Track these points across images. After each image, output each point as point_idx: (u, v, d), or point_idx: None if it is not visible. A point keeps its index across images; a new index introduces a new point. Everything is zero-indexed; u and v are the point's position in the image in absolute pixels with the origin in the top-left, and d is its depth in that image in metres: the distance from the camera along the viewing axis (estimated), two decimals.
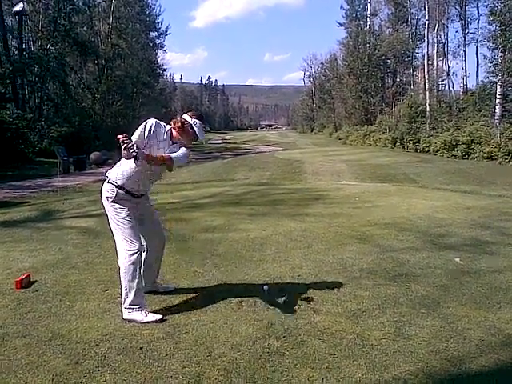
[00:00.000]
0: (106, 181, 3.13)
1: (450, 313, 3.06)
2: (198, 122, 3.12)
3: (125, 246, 3.01)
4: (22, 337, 2.74)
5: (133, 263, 2.99)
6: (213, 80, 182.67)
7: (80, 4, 31.56)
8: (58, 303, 3.28)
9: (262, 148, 34.98)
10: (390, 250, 4.59)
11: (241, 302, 3.28)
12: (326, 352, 2.53)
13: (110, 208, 3.09)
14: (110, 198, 3.07)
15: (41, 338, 2.73)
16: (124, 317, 2.98)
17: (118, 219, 3.06)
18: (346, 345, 2.61)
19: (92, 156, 20.27)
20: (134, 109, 38.77)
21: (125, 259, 2.99)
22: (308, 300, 3.31)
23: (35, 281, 3.74)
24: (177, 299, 3.33)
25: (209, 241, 5.05)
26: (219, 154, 28.76)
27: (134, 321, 2.94)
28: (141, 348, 2.59)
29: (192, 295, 3.42)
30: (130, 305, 2.97)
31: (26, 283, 3.64)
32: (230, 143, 46.89)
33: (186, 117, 3.13)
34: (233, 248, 4.73)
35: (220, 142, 51.29)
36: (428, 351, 2.53)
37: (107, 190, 3.09)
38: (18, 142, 19.40)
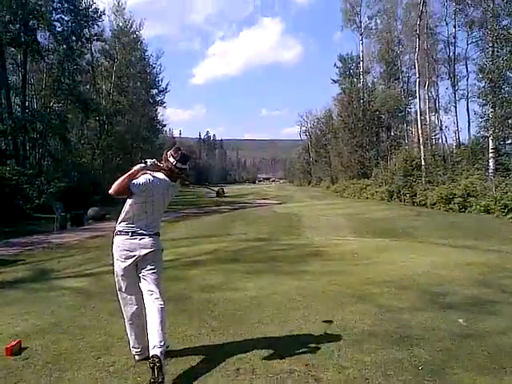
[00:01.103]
0: (157, 235, 3.34)
1: (456, 380, 2.95)
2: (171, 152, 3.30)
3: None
4: None
5: None
6: (211, 135, 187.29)
7: (84, 64, 32.90)
8: (48, 372, 3.14)
9: (259, 201, 35.19)
10: (390, 310, 4.49)
11: (238, 369, 3.15)
12: None
13: (162, 258, 3.39)
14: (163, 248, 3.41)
15: None
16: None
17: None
18: None
19: (90, 211, 20.34)
20: (133, 163, 39.24)
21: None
22: (308, 366, 3.20)
23: (26, 347, 3.61)
24: (172, 366, 3.19)
25: (206, 301, 4.94)
26: (217, 207, 28.85)
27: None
28: None
29: (187, 362, 3.29)
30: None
31: (17, 350, 3.51)
32: (227, 197, 47.17)
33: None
34: (230, 309, 4.62)
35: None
36: None
37: (161, 244, 3.38)
38: (16, 197, 19.46)
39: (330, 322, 4.10)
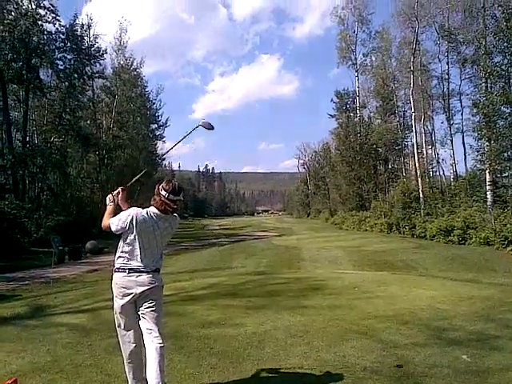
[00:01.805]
0: (157, 272, 3.26)
1: None
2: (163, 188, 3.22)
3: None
4: None
5: None
6: (210, 167, 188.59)
7: (85, 100, 33.54)
8: None
9: (258, 234, 35.09)
10: (393, 346, 4.41)
11: None
12: None
13: (162, 294, 3.33)
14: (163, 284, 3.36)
15: None
16: None
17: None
18: None
19: (88, 245, 20.24)
20: (132, 196, 39.48)
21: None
22: None
23: None
24: None
25: (205, 338, 4.85)
26: (216, 240, 28.77)
27: None
28: None
29: None
30: None
31: None
32: (226, 229, 47.06)
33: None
34: (230, 346, 4.53)
35: (217, 227, 51.48)
36: None
37: (161, 280, 3.29)
38: (14, 231, 19.40)
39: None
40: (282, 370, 3.82)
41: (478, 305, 6.28)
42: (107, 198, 3.41)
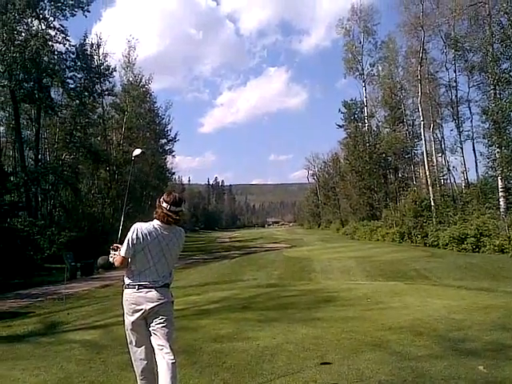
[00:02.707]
0: (166, 287, 3.23)
1: None
2: (164, 200, 3.22)
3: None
4: None
5: None
6: (220, 181, 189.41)
7: (95, 117, 34.02)
8: None
9: (269, 246, 34.95)
10: (408, 358, 4.34)
11: None
12: None
13: (172, 309, 3.28)
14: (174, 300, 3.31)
15: None
16: None
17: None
18: None
19: (100, 260, 20.17)
20: (142, 211, 39.73)
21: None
22: None
23: None
24: None
25: (217, 352, 4.82)
26: (227, 253, 28.72)
27: None
28: None
29: None
30: None
31: None
32: (237, 241, 46.98)
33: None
34: (242, 360, 4.50)
35: (227, 240, 51.44)
36: None
37: (171, 295, 3.27)
38: (27, 248, 19.60)
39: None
40: None
41: (493, 314, 6.17)
42: (110, 251, 3.38)
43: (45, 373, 4.37)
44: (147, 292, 3.13)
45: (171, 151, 50.30)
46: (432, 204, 27.23)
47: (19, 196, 24.59)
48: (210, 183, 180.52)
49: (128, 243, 3.16)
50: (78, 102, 29.51)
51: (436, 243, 23.38)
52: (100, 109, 35.59)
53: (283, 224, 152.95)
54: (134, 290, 3.15)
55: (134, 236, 3.16)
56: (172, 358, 3.06)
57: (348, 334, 5.34)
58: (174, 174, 56.25)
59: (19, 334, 6.42)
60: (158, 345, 3.11)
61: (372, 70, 41.66)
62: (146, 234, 3.15)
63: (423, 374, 3.91)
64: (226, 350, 4.86)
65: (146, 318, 3.17)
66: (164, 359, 3.05)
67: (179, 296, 9.35)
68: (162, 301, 3.14)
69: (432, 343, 4.83)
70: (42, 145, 31.50)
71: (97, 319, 6.86)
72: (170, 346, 3.10)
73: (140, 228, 3.19)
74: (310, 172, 79.84)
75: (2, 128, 31.21)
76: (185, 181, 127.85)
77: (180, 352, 4.68)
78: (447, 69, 29.91)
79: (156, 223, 3.22)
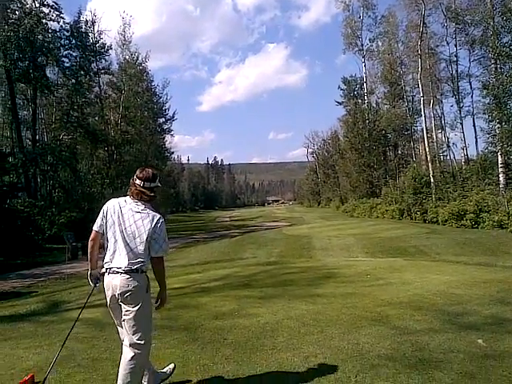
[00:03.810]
0: (135, 272, 2.91)
1: None
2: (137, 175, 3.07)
3: (150, 339, 3.06)
4: None
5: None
6: (219, 160, 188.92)
7: (92, 96, 33.64)
8: None
9: (269, 224, 35.08)
10: (407, 333, 4.38)
11: None
12: None
13: (148, 297, 3.00)
14: (148, 287, 3.01)
15: None
16: None
17: (151, 310, 3.08)
18: None
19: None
20: None
21: (147, 353, 3.00)
22: None
23: (38, 382, 3.56)
24: None
25: (218, 329, 4.87)
26: (227, 231, 28.82)
27: None
28: None
29: None
30: None
31: None
32: (237, 220, 47.15)
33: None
34: (243, 336, 4.54)
35: (227, 219, 51.61)
36: None
37: (139, 282, 2.93)
38: (28, 229, 19.65)
39: None
40: (295, 359, 3.82)
41: (492, 288, 6.21)
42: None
43: (48, 351, 4.41)
44: (113, 278, 2.93)
45: (169, 130, 50.05)
46: (431, 181, 27.22)
47: (18, 177, 24.52)
48: (210, 162, 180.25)
49: (97, 220, 3.07)
50: (74, 80, 29.16)
51: (435, 220, 23.46)
52: (97, 88, 35.18)
53: (283, 202, 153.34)
54: (106, 274, 2.99)
55: (105, 208, 3.07)
56: (130, 353, 2.92)
57: (348, 310, 5.38)
58: (172, 153, 55.99)
59: (22, 313, 6.47)
60: (126, 334, 3.00)
61: (372, 46, 41.16)
62: (117, 211, 3.00)
63: (422, 347, 3.96)
64: (227, 327, 4.91)
65: (120, 304, 2.99)
66: (124, 350, 2.98)
67: (180, 274, 9.43)
68: (124, 289, 2.89)
69: (431, 318, 4.87)
70: (40, 125, 31.24)
71: (99, 298, 6.87)
72: (130, 339, 2.94)
73: (108, 204, 3.08)
74: (310, 150, 79.71)
75: None
76: (184, 160, 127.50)
77: (182, 329, 4.76)
78: (448, 43, 29.56)
79: (129, 201, 3.05)
